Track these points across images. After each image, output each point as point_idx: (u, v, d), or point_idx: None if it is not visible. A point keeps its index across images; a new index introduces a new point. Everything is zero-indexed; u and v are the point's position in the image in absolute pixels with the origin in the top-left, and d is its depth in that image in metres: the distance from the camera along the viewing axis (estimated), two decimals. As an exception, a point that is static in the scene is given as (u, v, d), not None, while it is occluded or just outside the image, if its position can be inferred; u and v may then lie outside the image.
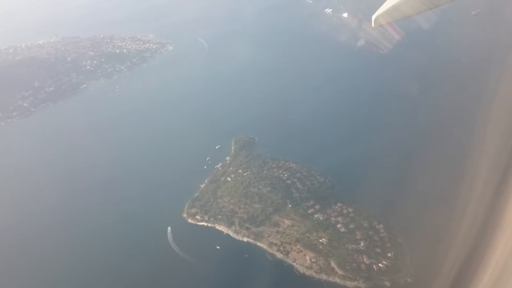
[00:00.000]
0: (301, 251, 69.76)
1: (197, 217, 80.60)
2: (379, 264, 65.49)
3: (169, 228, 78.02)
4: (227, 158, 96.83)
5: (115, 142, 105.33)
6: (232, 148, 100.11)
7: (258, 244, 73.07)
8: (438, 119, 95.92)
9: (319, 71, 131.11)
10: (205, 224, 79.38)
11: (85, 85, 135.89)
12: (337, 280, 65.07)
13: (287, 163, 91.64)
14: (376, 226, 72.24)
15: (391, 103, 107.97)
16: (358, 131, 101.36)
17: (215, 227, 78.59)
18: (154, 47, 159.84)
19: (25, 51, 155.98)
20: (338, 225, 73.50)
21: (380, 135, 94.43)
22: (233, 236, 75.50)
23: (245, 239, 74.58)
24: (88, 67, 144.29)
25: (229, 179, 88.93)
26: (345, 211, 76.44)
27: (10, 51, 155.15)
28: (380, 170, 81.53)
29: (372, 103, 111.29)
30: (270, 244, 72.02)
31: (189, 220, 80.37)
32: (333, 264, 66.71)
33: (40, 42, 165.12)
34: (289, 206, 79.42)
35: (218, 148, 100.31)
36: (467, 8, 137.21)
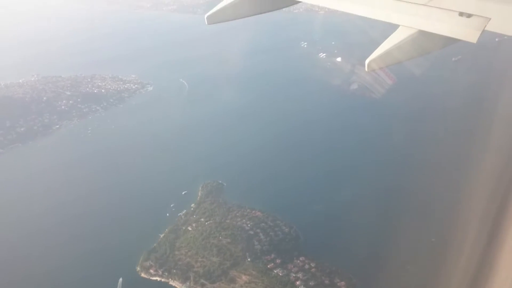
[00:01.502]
0: (255, 311, 64.46)
1: (151, 271, 75.29)
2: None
3: (120, 280, 72.94)
4: (192, 205, 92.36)
5: (75, 185, 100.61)
6: (199, 194, 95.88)
7: (212, 302, 67.93)
8: (423, 167, 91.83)
9: (306, 114, 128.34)
10: (158, 279, 74.12)
11: (57, 126, 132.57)
12: None
13: (253, 211, 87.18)
14: (338, 283, 67.17)
15: (376, 149, 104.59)
16: (335, 179, 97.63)
17: (168, 282, 73.35)
18: (133, 87, 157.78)
19: (3, 89, 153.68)
20: (297, 282, 68.48)
21: (359, 185, 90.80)
22: (186, 293, 70.48)
23: (199, 297, 69.46)
24: (63, 107, 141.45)
25: (190, 229, 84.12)
26: (307, 266, 71.45)
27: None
28: (351, 221, 77.83)
29: (356, 149, 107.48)
30: (224, 303, 66.73)
31: (142, 274, 75.12)
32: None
33: (20, 80, 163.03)
34: (248, 260, 74.33)
35: (185, 194, 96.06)
36: (449, 55, 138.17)
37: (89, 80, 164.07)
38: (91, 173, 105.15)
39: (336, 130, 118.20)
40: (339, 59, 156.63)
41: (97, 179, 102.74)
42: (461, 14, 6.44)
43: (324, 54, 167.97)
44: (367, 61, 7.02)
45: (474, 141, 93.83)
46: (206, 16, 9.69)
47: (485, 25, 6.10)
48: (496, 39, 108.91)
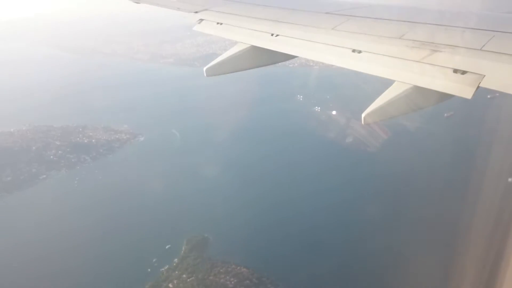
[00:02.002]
0: None
1: (127, 331, 71.07)
2: None
3: None
4: (175, 260, 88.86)
5: (54, 238, 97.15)
6: (183, 248, 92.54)
7: None
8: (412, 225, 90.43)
9: (299, 167, 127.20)
10: None
11: (44, 176, 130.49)
12: None
13: (238, 267, 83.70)
14: None
15: (370, 205, 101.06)
16: (326, 236, 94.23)
17: None
18: (125, 137, 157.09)
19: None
20: None
21: (350, 244, 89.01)
22: None
23: None
24: (52, 157, 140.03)
25: (171, 286, 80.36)
26: (291, 329, 67.39)
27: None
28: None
29: (351, 205, 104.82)
30: None
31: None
32: None
33: (11, 130, 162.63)
34: (230, 320, 70.42)
35: (168, 248, 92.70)
36: (441, 111, 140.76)
37: (80, 130, 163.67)
38: (72, 226, 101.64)
39: (331, 184, 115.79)
40: (334, 112, 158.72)
41: (78, 232, 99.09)
42: (455, 71, 6.64)
43: (319, 108, 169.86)
44: (363, 115, 7.11)
45: (465, 196, 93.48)
46: (205, 68, 9.88)
47: (480, 82, 6.25)
48: (488, 96, 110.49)
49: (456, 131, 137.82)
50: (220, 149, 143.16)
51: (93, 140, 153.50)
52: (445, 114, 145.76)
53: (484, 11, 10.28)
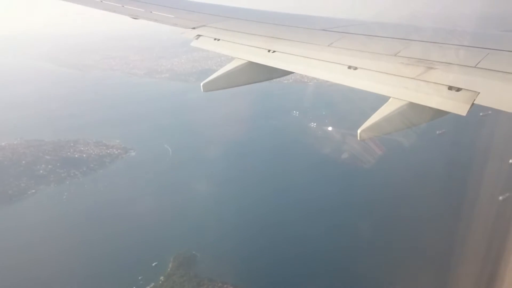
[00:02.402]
0: None
1: None
2: None
3: None
4: (161, 277, 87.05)
5: (43, 253, 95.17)
6: (170, 265, 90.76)
7: None
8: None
9: (294, 182, 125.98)
10: None
11: (33, 190, 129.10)
12: None
13: (225, 285, 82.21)
14: None
15: (367, 226, 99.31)
16: (318, 256, 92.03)
17: None
18: (116, 152, 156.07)
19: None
20: None
21: (342, 264, 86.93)
22: None
23: None
24: (41, 171, 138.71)
25: (155, 304, 78.52)
26: None
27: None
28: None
29: (348, 224, 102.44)
30: None
31: None
32: None
33: (2, 144, 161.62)
34: None
35: (155, 265, 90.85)
36: (433, 128, 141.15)
37: (72, 144, 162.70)
38: (58, 241, 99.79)
39: (326, 200, 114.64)
40: (330, 128, 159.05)
41: (64, 248, 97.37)
42: (450, 88, 6.69)
43: (315, 124, 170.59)
44: (359, 131, 7.12)
45: (456, 211, 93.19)
46: (201, 84, 9.93)
47: (474, 99, 6.28)
48: (480, 114, 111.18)
49: (448, 148, 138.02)
50: (212, 165, 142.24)
51: (84, 155, 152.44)
52: (437, 132, 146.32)
53: (478, 29, 10.57)
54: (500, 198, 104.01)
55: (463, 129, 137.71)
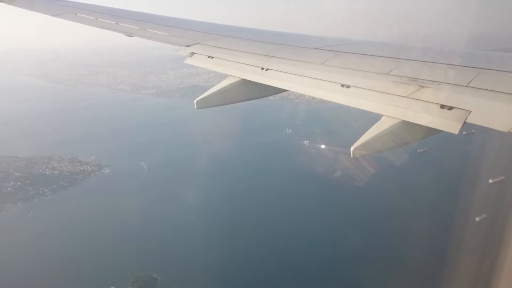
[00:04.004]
0: None
1: None
2: None
3: None
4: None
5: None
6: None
7: None
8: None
9: (284, 201, 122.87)
10: None
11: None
12: None
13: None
14: None
15: (360, 244, 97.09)
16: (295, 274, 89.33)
17: None
18: (89, 169, 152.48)
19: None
20: None
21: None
22: None
23: None
24: (9, 189, 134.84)
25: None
26: None
27: None
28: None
29: (337, 245, 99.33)
30: None
31: None
32: None
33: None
34: None
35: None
36: (414, 147, 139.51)
37: (46, 161, 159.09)
38: (12, 263, 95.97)
39: (317, 219, 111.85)
40: (322, 146, 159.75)
41: (18, 269, 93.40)
42: (442, 106, 6.77)
43: (308, 141, 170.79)
44: (352, 149, 7.10)
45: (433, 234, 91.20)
46: (195, 101, 9.96)
47: (466, 117, 6.35)
48: (464, 132, 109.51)
49: (428, 168, 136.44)
50: (190, 185, 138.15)
51: (56, 172, 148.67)
52: (418, 150, 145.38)
53: (469, 49, 10.45)
54: (477, 219, 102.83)
55: (445, 148, 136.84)
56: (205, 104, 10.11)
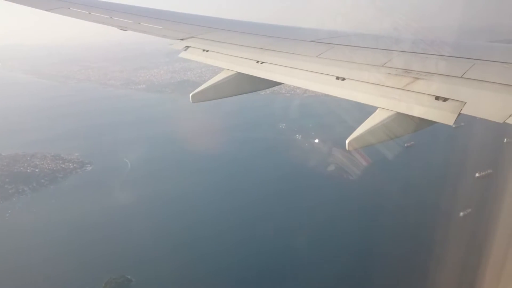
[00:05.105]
0: None
1: None
2: None
3: None
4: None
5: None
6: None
7: None
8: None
9: (268, 195, 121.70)
10: None
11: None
12: None
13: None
14: None
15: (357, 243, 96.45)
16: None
17: None
18: (71, 167, 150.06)
19: None
20: None
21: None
22: None
23: None
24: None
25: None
26: None
27: None
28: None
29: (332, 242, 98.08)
30: None
31: None
32: None
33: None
34: None
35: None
36: (402, 141, 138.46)
37: (28, 158, 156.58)
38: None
39: (312, 215, 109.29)
40: (316, 140, 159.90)
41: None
42: (437, 98, 6.75)
43: (301, 136, 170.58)
44: (347, 141, 7.14)
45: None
46: (190, 95, 9.92)
47: (461, 109, 6.33)
48: (453, 126, 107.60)
49: (415, 161, 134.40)
50: (176, 182, 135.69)
51: (37, 170, 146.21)
52: (406, 144, 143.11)
53: (464, 40, 10.35)
54: (461, 214, 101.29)
55: (433, 142, 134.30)
56: (200, 98, 10.03)
